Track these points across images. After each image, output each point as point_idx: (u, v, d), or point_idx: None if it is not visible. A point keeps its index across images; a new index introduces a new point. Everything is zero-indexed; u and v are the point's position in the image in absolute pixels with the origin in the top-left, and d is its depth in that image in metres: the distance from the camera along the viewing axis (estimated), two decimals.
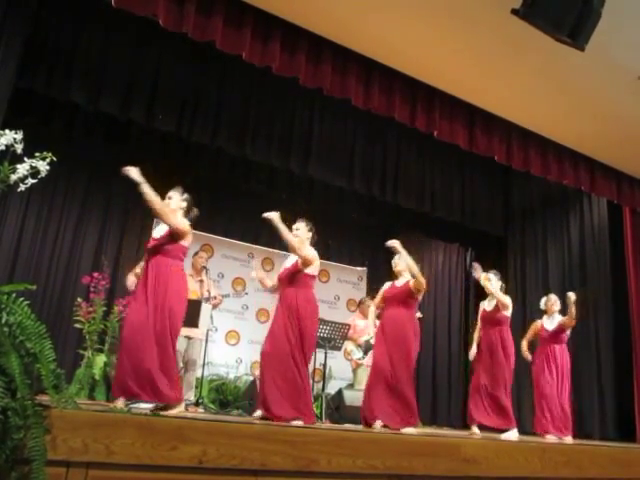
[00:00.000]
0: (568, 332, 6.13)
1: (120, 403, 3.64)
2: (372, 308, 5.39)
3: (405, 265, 4.92)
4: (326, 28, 5.45)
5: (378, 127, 7.23)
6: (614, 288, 7.61)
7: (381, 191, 7.55)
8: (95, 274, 6.41)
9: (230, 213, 8.74)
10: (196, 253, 6.16)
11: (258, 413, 4.30)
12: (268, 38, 5.24)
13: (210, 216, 8.58)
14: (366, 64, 5.77)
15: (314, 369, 6.63)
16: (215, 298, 5.91)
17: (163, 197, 4.01)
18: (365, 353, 6.49)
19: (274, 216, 4.32)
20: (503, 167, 7.24)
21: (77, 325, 6.15)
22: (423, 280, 4.84)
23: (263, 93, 6.63)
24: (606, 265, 7.73)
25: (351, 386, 6.81)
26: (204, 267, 5.96)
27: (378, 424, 4.53)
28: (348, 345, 6.64)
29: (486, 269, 5.73)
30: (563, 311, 6.13)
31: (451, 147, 6.57)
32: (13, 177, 2.52)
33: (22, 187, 2.56)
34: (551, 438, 5.68)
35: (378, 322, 5.17)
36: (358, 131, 7.36)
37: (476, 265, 5.68)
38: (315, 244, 4.59)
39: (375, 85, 5.79)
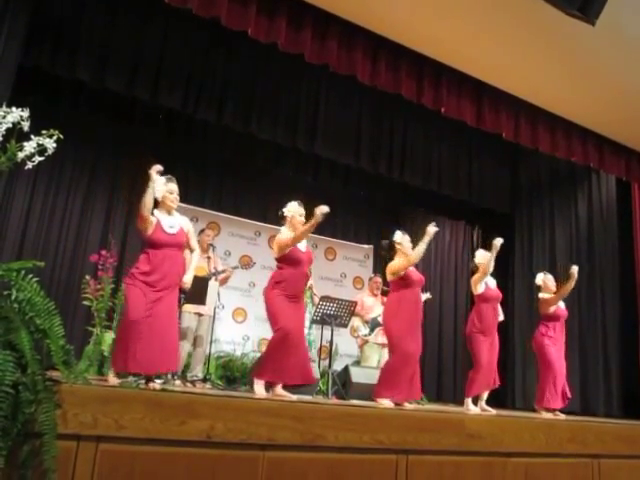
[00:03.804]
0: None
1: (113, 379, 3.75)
2: None
3: None
4: (332, 3, 5.38)
5: (385, 104, 7.17)
6: (621, 265, 7.59)
7: (388, 169, 7.52)
8: (103, 252, 6.43)
9: (236, 191, 8.72)
10: (202, 231, 6.16)
11: None
12: (274, 14, 5.19)
13: (216, 194, 8.61)
14: (373, 40, 5.70)
15: (320, 346, 6.67)
16: (225, 271, 5.92)
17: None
18: (372, 330, 6.52)
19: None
20: (511, 144, 7.18)
21: (85, 302, 6.19)
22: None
23: (269, 70, 6.58)
24: (614, 242, 7.69)
25: (358, 363, 6.85)
26: (211, 245, 5.98)
27: (386, 402, 4.55)
28: (355, 321, 6.66)
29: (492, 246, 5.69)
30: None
31: (458, 124, 6.51)
32: (20, 155, 2.53)
33: (29, 165, 2.56)
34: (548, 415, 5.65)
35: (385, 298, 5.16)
36: (365, 108, 7.30)
37: None
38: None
39: (382, 61, 5.73)
